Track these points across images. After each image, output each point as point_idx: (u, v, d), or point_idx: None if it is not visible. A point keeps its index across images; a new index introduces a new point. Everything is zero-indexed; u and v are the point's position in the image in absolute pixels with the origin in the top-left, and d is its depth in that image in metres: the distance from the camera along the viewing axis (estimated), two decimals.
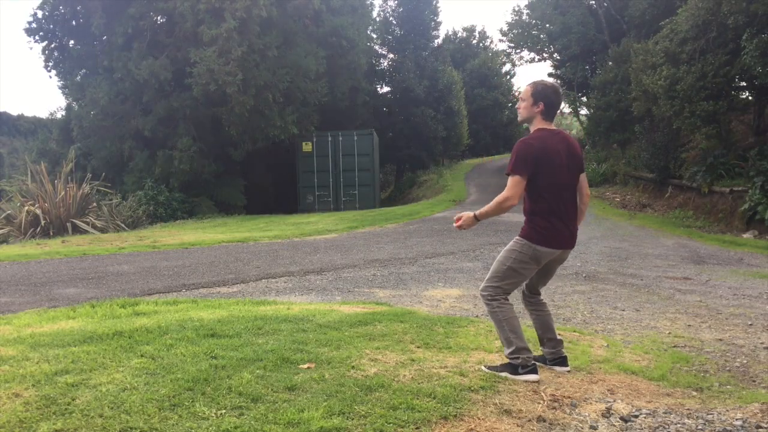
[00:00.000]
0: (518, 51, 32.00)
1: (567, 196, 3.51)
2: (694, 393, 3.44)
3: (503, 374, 3.45)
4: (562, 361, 3.70)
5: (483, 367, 3.57)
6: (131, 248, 10.88)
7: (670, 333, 4.83)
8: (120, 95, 20.43)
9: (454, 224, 3.54)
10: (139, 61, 19.46)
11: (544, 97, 3.50)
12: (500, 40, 71.17)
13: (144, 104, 20.51)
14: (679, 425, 2.86)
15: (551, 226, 3.44)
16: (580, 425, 2.86)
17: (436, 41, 34.17)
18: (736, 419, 2.90)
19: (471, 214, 3.48)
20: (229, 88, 18.49)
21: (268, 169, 25.14)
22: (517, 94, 46.68)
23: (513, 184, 3.36)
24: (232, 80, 18.38)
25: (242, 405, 2.82)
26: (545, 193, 3.42)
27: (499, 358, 3.77)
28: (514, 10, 30.18)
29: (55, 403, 2.79)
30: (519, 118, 3.65)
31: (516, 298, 3.99)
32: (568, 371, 3.67)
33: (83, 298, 6.29)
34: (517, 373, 3.44)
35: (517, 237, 3.54)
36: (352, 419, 2.72)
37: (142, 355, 3.52)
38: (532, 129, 3.58)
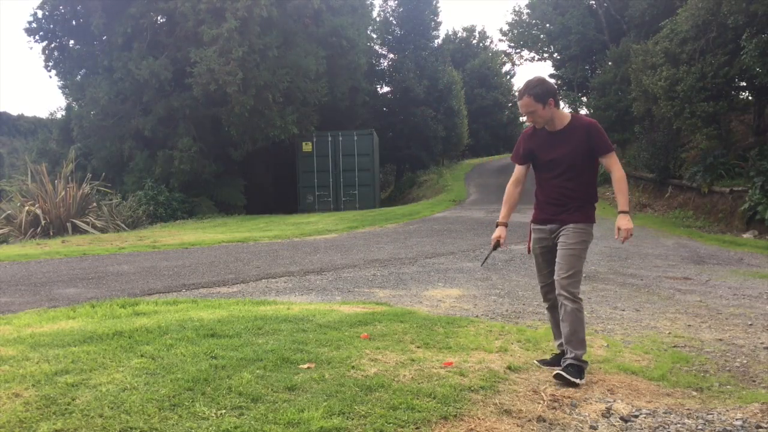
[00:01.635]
0: (518, 51, 32.01)
1: None
2: (694, 393, 3.44)
3: (575, 380, 3.36)
4: None
5: (559, 371, 3.42)
6: (131, 248, 10.88)
7: (670, 333, 4.83)
8: (120, 95, 20.43)
9: (624, 239, 3.58)
10: (139, 60, 19.46)
11: (545, 93, 3.53)
12: (500, 40, 71.30)
13: (144, 104, 20.52)
14: (679, 425, 2.86)
15: None
16: (580, 425, 2.86)
17: (436, 41, 34.16)
18: (736, 419, 2.90)
19: (625, 217, 3.56)
20: (230, 88, 18.49)
21: (268, 169, 25.14)
22: (516, 93, 46.70)
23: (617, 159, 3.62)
24: (232, 80, 18.38)
25: (242, 405, 2.82)
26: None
27: (499, 358, 3.76)
28: (514, 10, 30.21)
29: (55, 403, 2.79)
30: (540, 125, 3.63)
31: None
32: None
33: (83, 298, 6.29)
34: (582, 377, 3.42)
35: (582, 224, 3.60)
36: (352, 419, 2.72)
37: (142, 355, 3.52)
38: (559, 122, 3.62)
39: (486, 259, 4.35)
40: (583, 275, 7.69)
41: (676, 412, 3.05)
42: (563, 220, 3.61)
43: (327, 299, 6.19)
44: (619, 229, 3.54)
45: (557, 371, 3.43)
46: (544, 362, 3.74)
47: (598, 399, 3.20)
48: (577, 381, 3.37)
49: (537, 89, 3.52)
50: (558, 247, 3.60)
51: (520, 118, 47.70)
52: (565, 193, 3.60)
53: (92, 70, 21.36)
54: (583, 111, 28.33)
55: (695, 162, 16.00)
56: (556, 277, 3.54)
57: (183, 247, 10.91)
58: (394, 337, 4.15)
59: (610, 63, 22.71)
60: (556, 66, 29.16)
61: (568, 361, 3.45)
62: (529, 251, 3.88)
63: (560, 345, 3.73)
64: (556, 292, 3.53)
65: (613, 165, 3.57)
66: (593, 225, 3.67)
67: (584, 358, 3.53)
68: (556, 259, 3.58)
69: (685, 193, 16.29)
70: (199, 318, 4.59)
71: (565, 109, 31.83)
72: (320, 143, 22.82)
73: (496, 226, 3.81)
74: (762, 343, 4.52)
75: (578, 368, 3.43)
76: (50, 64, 22.23)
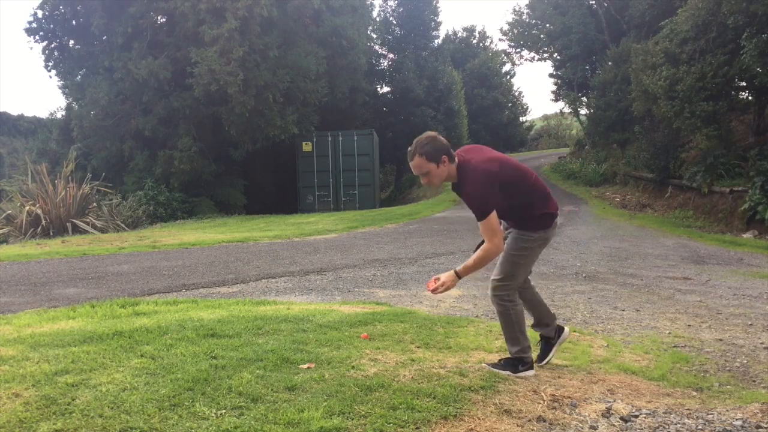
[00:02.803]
0: (518, 51, 32.08)
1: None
2: (694, 393, 3.44)
3: (505, 372, 3.49)
4: (561, 329, 3.82)
5: (485, 365, 3.61)
6: (131, 248, 10.88)
7: (670, 333, 4.83)
8: (120, 95, 20.44)
9: (429, 289, 3.31)
10: (138, 60, 19.47)
11: (437, 151, 3.27)
12: (500, 40, 71.42)
13: (144, 104, 20.52)
14: (679, 425, 2.85)
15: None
16: (580, 425, 2.86)
17: (436, 41, 34.16)
18: (736, 419, 2.90)
19: (450, 275, 3.30)
20: (231, 88, 18.49)
21: (268, 169, 25.14)
22: (516, 93, 46.67)
23: (489, 227, 3.25)
24: (233, 80, 18.38)
25: (242, 405, 2.82)
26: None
27: (499, 358, 3.77)
28: (514, 10, 30.24)
29: (55, 403, 2.79)
30: (437, 185, 3.42)
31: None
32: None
33: (83, 298, 6.29)
34: (517, 371, 3.50)
35: (524, 231, 3.49)
36: (352, 419, 2.71)
37: (142, 355, 3.52)
38: (455, 174, 3.36)
39: None
40: (583, 275, 7.71)
41: (676, 412, 3.05)
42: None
43: (327, 299, 6.19)
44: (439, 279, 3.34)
45: (487, 362, 3.63)
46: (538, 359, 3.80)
47: (598, 399, 3.20)
48: (502, 372, 3.48)
49: (428, 147, 3.27)
50: None
51: (521, 119, 47.67)
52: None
53: (92, 70, 21.37)
54: (583, 111, 28.36)
55: (695, 162, 15.99)
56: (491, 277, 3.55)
57: (183, 247, 10.91)
58: (394, 337, 4.15)
59: (610, 63, 22.72)
60: (556, 66, 29.19)
61: (506, 357, 3.60)
62: None
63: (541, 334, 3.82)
64: (489, 291, 3.54)
65: (484, 234, 3.24)
66: (541, 231, 3.46)
67: (586, 358, 3.53)
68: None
69: (685, 193, 16.29)
70: (199, 318, 4.59)
71: (565, 109, 31.17)
72: (320, 143, 22.81)
73: None
74: (762, 343, 4.52)
75: (512, 363, 3.53)
76: (50, 64, 22.25)
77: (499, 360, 3.64)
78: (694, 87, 13.97)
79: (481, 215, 3.22)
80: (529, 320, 3.76)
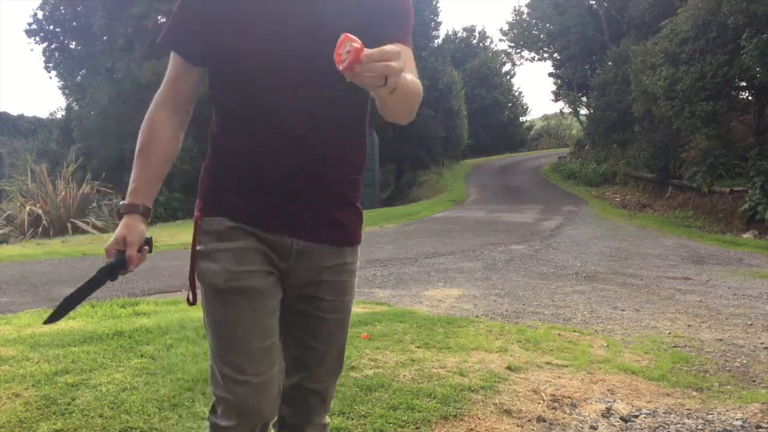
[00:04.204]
0: (518, 51, 32.13)
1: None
2: (694, 393, 3.44)
3: None
4: None
5: None
6: None
7: (670, 333, 4.83)
8: (120, 95, 20.47)
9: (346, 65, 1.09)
10: (140, 62, 19.49)
11: None
12: (500, 40, 71.47)
13: (145, 104, 20.38)
14: (679, 425, 2.86)
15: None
16: (580, 425, 2.86)
17: (436, 41, 34.15)
18: (736, 419, 2.90)
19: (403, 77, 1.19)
20: None
21: None
22: (516, 93, 46.61)
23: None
24: None
25: None
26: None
27: (499, 358, 3.77)
28: (514, 10, 30.39)
29: (55, 403, 2.80)
30: None
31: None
32: None
33: None
34: None
35: (357, 246, 1.77)
36: (352, 419, 2.72)
37: (142, 355, 3.52)
38: None
39: (62, 308, 1.57)
40: (583, 275, 7.71)
41: (676, 412, 3.05)
42: (333, 233, 1.62)
43: None
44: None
45: None
46: None
47: (598, 399, 3.20)
48: None
49: None
50: (321, 316, 1.60)
51: (521, 119, 47.61)
52: (330, 144, 1.53)
53: (93, 71, 21.42)
54: (583, 111, 28.38)
55: (695, 162, 15.99)
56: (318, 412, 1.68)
57: (183, 248, 10.90)
58: (394, 337, 4.15)
59: (610, 63, 22.73)
60: (555, 66, 29.22)
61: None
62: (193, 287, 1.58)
63: None
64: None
65: (410, 62, 1.47)
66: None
67: (586, 358, 3.51)
68: (317, 347, 1.61)
69: (685, 193, 16.28)
70: (199, 318, 4.58)
71: (565, 109, 31.11)
72: None
73: (120, 215, 1.56)
74: (762, 343, 4.52)
75: None
76: (50, 65, 22.34)
77: None
78: (693, 87, 13.98)
79: (408, 29, 1.52)
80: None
